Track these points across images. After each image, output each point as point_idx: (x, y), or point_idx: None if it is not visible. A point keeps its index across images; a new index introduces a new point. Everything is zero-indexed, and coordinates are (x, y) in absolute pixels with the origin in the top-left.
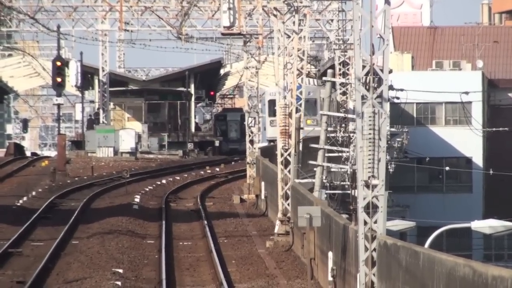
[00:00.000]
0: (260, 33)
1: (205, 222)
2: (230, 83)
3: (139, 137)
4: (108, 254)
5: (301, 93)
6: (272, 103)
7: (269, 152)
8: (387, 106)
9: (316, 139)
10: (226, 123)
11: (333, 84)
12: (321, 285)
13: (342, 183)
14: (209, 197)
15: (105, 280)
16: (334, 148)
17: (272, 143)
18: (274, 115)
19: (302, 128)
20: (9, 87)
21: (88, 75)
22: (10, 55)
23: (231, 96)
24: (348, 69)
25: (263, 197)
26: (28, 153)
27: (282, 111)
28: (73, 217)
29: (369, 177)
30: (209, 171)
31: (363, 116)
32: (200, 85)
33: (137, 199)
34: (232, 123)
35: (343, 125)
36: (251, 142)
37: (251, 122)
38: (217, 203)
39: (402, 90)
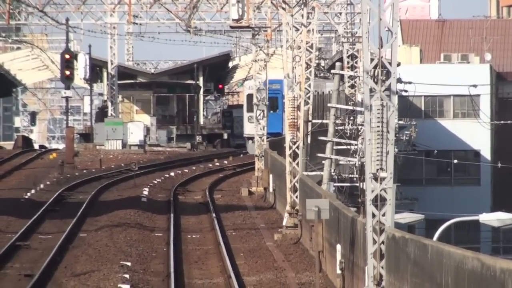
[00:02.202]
0: (269, 26)
1: (214, 214)
2: (238, 76)
3: (147, 129)
4: (116, 247)
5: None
6: (250, 97)
7: (277, 144)
8: (395, 99)
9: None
10: (232, 119)
11: (342, 77)
12: (329, 277)
13: (350, 175)
14: (218, 190)
15: (113, 273)
16: (343, 140)
17: (250, 141)
18: (252, 110)
19: (310, 121)
20: (17, 80)
21: (96, 68)
22: (18, 48)
23: (233, 93)
24: (356, 62)
25: (271, 189)
26: (36, 146)
27: (291, 104)
28: (81, 210)
29: (377, 170)
30: (217, 163)
31: (372, 109)
32: (208, 78)
33: (145, 191)
34: (237, 119)
35: (351, 117)
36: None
37: (260, 115)
38: (225, 196)
39: (410, 83)
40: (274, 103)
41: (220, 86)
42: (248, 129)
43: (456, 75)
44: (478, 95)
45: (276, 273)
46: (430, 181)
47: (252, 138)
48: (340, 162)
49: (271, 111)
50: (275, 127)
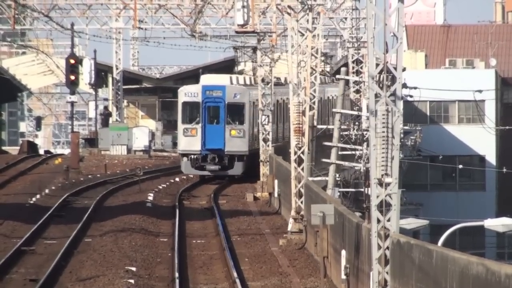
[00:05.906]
0: (274, 31)
1: (218, 220)
2: None
3: (152, 134)
4: (121, 252)
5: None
6: (186, 106)
7: (282, 150)
8: (400, 104)
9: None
10: None
11: (347, 82)
12: (334, 283)
13: (355, 181)
14: (223, 195)
15: (118, 278)
16: (348, 146)
17: (185, 158)
18: (189, 121)
19: (316, 126)
20: (22, 85)
21: (102, 73)
22: (24, 53)
23: None
24: (361, 67)
25: (276, 195)
26: (41, 151)
27: (296, 109)
28: (86, 215)
29: (382, 175)
30: None
31: (377, 114)
32: None
33: (150, 197)
34: None
35: (357, 123)
36: (265, 140)
37: (265, 120)
38: (230, 201)
39: (415, 88)
40: (215, 113)
41: None
42: (184, 143)
43: (461, 80)
44: (483, 101)
45: (281, 278)
46: (435, 187)
47: (187, 155)
48: (345, 168)
49: (213, 123)
50: (216, 142)
